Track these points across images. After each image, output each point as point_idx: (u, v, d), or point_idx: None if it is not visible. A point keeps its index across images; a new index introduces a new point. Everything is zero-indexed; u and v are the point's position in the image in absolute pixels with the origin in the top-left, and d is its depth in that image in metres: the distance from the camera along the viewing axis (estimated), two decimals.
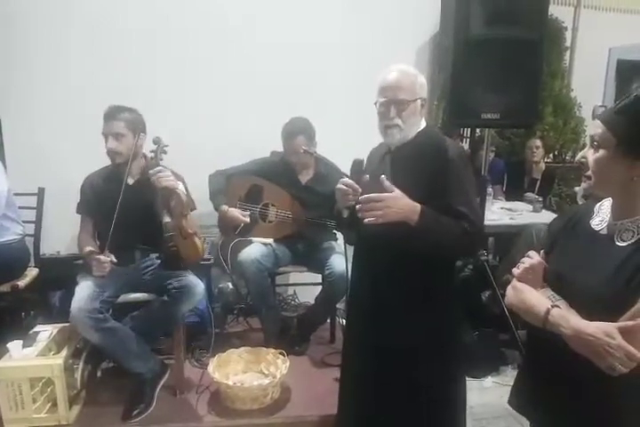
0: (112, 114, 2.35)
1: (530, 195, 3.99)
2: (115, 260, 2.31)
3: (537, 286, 1.26)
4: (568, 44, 5.09)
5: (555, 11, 4.95)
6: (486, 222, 3.27)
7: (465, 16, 2.84)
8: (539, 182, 4.19)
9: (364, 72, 3.09)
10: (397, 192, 1.56)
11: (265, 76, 3.19)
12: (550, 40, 4.75)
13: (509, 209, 3.72)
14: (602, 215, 1.24)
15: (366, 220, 1.54)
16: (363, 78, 3.05)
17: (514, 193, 4.18)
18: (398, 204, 1.55)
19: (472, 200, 1.70)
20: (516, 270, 1.31)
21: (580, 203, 1.82)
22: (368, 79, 1.78)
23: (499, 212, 3.67)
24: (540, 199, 3.80)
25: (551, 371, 1.24)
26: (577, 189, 4.73)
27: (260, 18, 3.18)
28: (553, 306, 1.17)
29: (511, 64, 2.82)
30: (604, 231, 1.20)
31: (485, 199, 3.28)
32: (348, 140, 2.91)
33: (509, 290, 1.32)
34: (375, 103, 1.72)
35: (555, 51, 4.89)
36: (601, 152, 1.13)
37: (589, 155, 1.17)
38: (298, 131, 2.74)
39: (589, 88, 5.28)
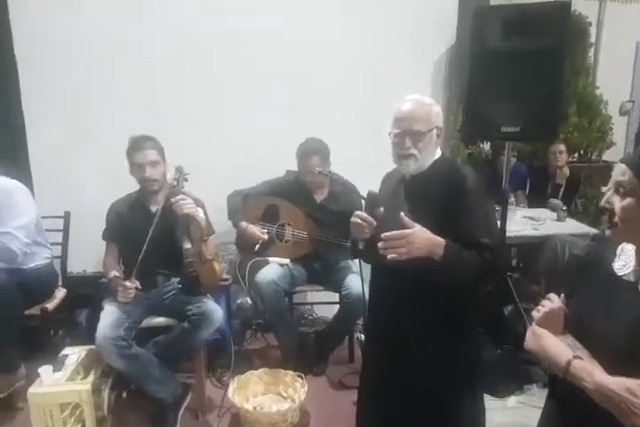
0: (142, 143, 2.44)
1: (553, 201, 3.91)
2: (140, 286, 2.38)
3: (557, 332, 1.23)
4: (593, 39, 4.94)
5: (578, 6, 4.80)
6: (508, 233, 3.23)
7: (482, 28, 2.79)
8: (562, 188, 4.10)
9: (381, 87, 3.11)
10: (418, 227, 1.53)
11: (279, 97, 3.20)
12: (574, 37, 4.63)
13: (532, 218, 3.65)
14: (624, 259, 1.19)
15: (389, 257, 1.51)
16: (379, 93, 3.07)
17: (537, 199, 4.11)
18: (421, 239, 1.52)
19: (492, 230, 1.69)
20: (535, 314, 1.28)
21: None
22: (385, 94, 1.78)
23: (521, 221, 3.60)
24: (565, 208, 3.71)
25: (575, 421, 1.21)
26: (603, 189, 4.63)
27: (276, 40, 3.17)
28: (574, 357, 1.13)
29: (531, 76, 2.75)
30: (629, 277, 1.16)
31: (506, 210, 3.21)
32: (363, 159, 2.93)
33: (529, 335, 1.29)
34: (389, 134, 1.71)
35: (579, 47, 4.75)
36: (629, 200, 1.08)
37: (616, 201, 1.12)
38: (312, 151, 2.76)
39: (616, 84, 5.14)
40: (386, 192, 1.84)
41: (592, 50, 5.01)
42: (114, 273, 2.47)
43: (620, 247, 1.22)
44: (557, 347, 1.19)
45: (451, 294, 1.65)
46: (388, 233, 1.52)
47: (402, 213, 1.55)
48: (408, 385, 1.75)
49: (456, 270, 1.57)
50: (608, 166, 4.75)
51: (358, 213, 1.68)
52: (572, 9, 4.73)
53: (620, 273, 1.18)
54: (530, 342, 1.28)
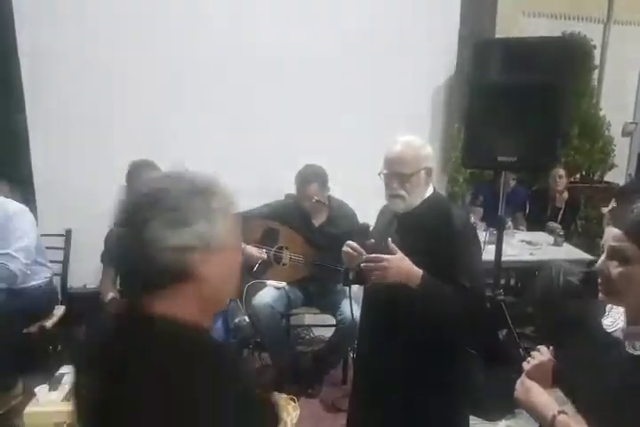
0: (144, 167, 2.49)
1: (552, 224, 3.94)
2: None
3: (546, 385, 1.24)
4: (597, 62, 4.98)
5: (583, 28, 4.85)
6: (505, 258, 3.26)
7: (481, 60, 2.83)
8: (562, 212, 4.12)
9: (380, 113, 3.14)
10: (399, 255, 1.63)
11: (281, 122, 3.23)
12: (578, 59, 4.66)
13: (529, 242, 3.68)
14: (614, 315, 1.20)
15: (368, 280, 1.67)
16: (378, 120, 3.11)
17: (536, 221, 4.13)
18: (399, 265, 1.63)
19: (475, 275, 1.72)
20: (525, 365, 1.29)
21: (606, 228, 1.77)
22: (383, 121, 1.80)
23: (518, 245, 3.63)
24: (562, 232, 3.73)
25: None
26: (604, 210, 4.64)
27: (277, 62, 3.20)
28: (559, 411, 1.14)
29: (528, 107, 2.80)
30: (617, 334, 1.16)
31: (502, 235, 3.24)
32: (363, 186, 2.95)
33: (518, 386, 1.30)
34: (379, 174, 1.76)
35: (583, 69, 4.79)
36: (628, 268, 1.06)
37: (611, 267, 1.09)
38: (311, 178, 2.80)
39: (619, 106, 5.16)
40: (380, 224, 1.91)
41: (596, 72, 5.03)
42: (111, 295, 2.52)
43: (609, 305, 1.23)
44: (544, 400, 1.21)
45: (436, 324, 1.70)
46: (369, 255, 1.65)
47: (389, 239, 1.66)
48: (395, 405, 1.79)
49: (434, 302, 1.65)
50: (610, 187, 4.77)
51: (349, 242, 1.74)
52: (577, 31, 4.79)
53: (609, 330, 1.19)
54: (519, 393, 1.29)
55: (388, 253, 1.63)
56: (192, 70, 3.20)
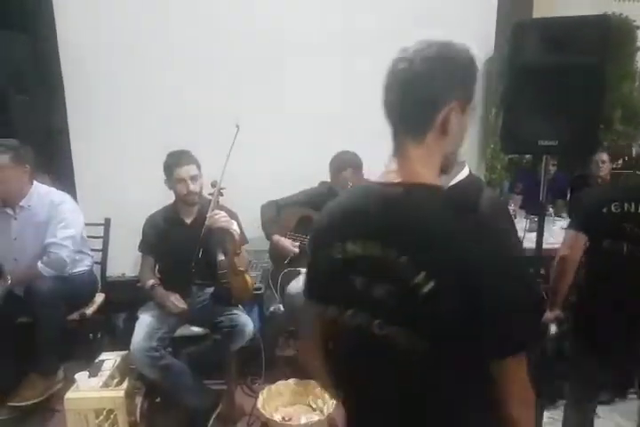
0: (184, 158, 2.51)
1: None
2: (185, 306, 2.47)
3: None
4: (639, 43, 4.77)
5: (624, 8, 4.65)
6: (545, 246, 3.16)
7: (520, 41, 2.74)
8: None
9: None
10: None
11: (314, 108, 3.20)
12: (620, 41, 4.49)
13: None
14: None
15: None
16: None
17: None
18: None
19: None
20: None
21: None
22: None
23: (560, 233, 3.51)
24: None
25: None
26: None
27: (305, 56, 3.19)
28: None
29: (570, 90, 2.69)
30: None
31: (543, 222, 3.15)
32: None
33: None
34: None
35: (625, 52, 4.59)
36: None
37: None
38: (345, 164, 2.78)
39: None
40: None
41: (639, 54, 4.82)
42: (152, 282, 2.55)
43: None
44: None
45: None
46: None
47: None
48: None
49: None
50: None
51: None
52: (618, 13, 4.59)
53: None
54: None
55: None
56: (224, 58, 3.21)
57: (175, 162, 2.48)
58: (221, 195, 2.46)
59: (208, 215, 2.40)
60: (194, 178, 2.49)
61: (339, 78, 3.18)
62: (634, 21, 4.60)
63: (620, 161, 4.86)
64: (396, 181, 0.97)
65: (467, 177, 1.72)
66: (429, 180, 0.97)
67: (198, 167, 2.53)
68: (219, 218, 2.38)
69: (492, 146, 3.74)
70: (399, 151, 1.00)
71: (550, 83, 2.70)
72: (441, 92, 0.95)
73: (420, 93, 0.95)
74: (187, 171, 2.48)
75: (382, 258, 0.92)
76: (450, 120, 0.95)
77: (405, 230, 0.92)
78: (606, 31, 2.78)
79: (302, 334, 1.18)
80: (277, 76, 3.20)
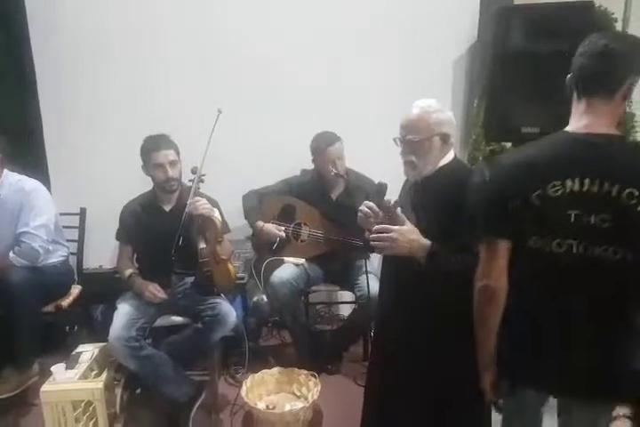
0: (162, 143, 2.43)
1: None
2: (165, 296, 2.41)
3: None
4: None
5: (604, 1, 4.68)
6: None
7: (504, 28, 2.74)
8: None
9: (399, 85, 3.05)
10: (408, 226, 1.59)
11: (295, 97, 3.15)
12: (599, 31, 4.52)
13: None
14: None
15: (376, 251, 1.61)
16: (397, 91, 3.01)
17: None
18: (406, 238, 1.58)
19: None
20: None
21: None
22: (402, 92, 1.73)
23: None
24: None
25: None
26: None
27: (290, 40, 3.13)
28: None
29: (552, 77, 2.69)
30: None
31: None
32: (378, 158, 2.88)
33: None
34: (394, 139, 1.72)
35: None
36: None
37: None
38: (328, 142, 2.77)
39: None
40: (403, 193, 1.86)
41: None
42: (130, 271, 2.49)
43: None
44: None
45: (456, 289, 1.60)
46: (377, 226, 1.61)
47: (399, 209, 1.62)
48: (412, 383, 1.75)
49: (442, 274, 1.58)
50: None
51: (367, 202, 1.70)
52: (598, 5, 4.62)
53: None
54: None
55: (399, 223, 1.59)
56: (206, 44, 3.14)
57: (153, 146, 2.41)
58: (202, 181, 2.41)
59: (188, 202, 2.34)
60: (172, 163, 2.42)
61: (323, 67, 3.14)
62: (612, 14, 4.64)
63: None
64: (593, 131, 1.30)
65: (453, 159, 1.74)
66: (614, 131, 1.33)
67: (177, 152, 2.46)
68: (200, 205, 2.32)
69: (473, 137, 3.74)
70: (590, 109, 1.33)
71: (533, 69, 2.72)
72: (630, 67, 1.30)
73: (618, 65, 1.29)
74: (165, 155, 2.41)
75: (599, 192, 1.25)
76: (630, 88, 1.31)
77: (619, 169, 1.26)
78: (589, 17, 2.80)
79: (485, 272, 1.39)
80: (261, 62, 3.14)
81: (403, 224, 1.60)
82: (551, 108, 2.73)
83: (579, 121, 1.33)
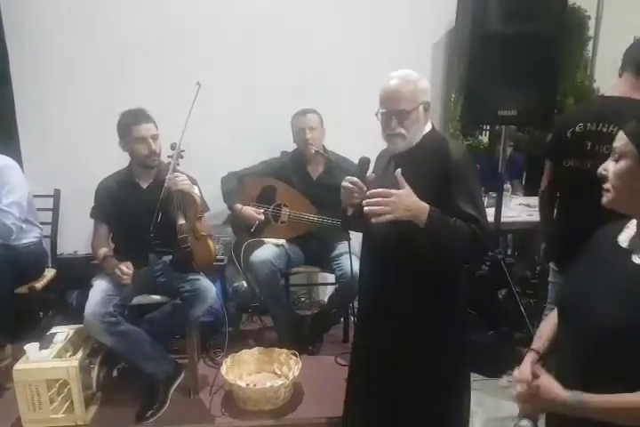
0: (142, 117, 2.39)
1: None
2: (130, 270, 2.35)
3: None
4: (591, 33, 4.94)
5: None
6: (503, 219, 3.24)
7: (482, 11, 2.78)
8: None
9: (379, 67, 3.05)
10: (407, 189, 1.53)
11: (276, 77, 3.14)
12: (572, 30, 4.63)
13: (527, 205, 3.65)
14: (629, 231, 1.19)
15: (373, 219, 1.51)
16: (377, 74, 3.02)
17: (533, 188, 4.08)
18: (407, 201, 1.51)
19: (479, 203, 1.65)
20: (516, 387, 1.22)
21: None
22: (382, 74, 1.73)
23: (517, 208, 3.60)
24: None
25: None
26: None
27: (270, 15, 3.12)
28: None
29: (529, 60, 2.76)
30: (626, 246, 1.16)
31: (502, 196, 3.23)
32: (361, 137, 2.88)
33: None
34: (376, 114, 1.69)
35: (577, 41, 4.75)
36: (622, 164, 1.10)
37: (610, 167, 1.13)
38: (307, 110, 2.82)
39: (613, 79, 5.11)
40: (379, 168, 1.85)
41: (590, 43, 5.00)
42: (104, 251, 2.43)
43: (629, 222, 1.21)
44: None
45: (439, 267, 1.65)
46: (374, 190, 1.52)
47: (398, 170, 1.55)
48: (395, 360, 1.75)
49: (441, 239, 1.56)
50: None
51: (349, 177, 1.66)
52: (572, 2, 4.74)
53: (622, 245, 1.18)
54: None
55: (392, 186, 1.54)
56: (184, 17, 3.10)
57: (132, 120, 2.37)
58: (181, 157, 2.37)
59: (167, 177, 2.31)
60: (154, 137, 2.39)
61: (304, 45, 3.13)
62: (585, 11, 4.76)
63: None
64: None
65: (432, 128, 1.76)
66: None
67: (156, 127, 2.43)
68: (179, 180, 2.29)
69: (450, 130, 3.79)
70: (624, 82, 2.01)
71: (510, 52, 2.77)
72: None
73: None
74: (147, 129, 2.37)
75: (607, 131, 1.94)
76: None
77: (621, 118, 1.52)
78: (563, 2, 2.87)
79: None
80: (245, 41, 3.12)
81: (403, 188, 1.53)
82: (527, 92, 2.81)
83: (614, 89, 2.06)
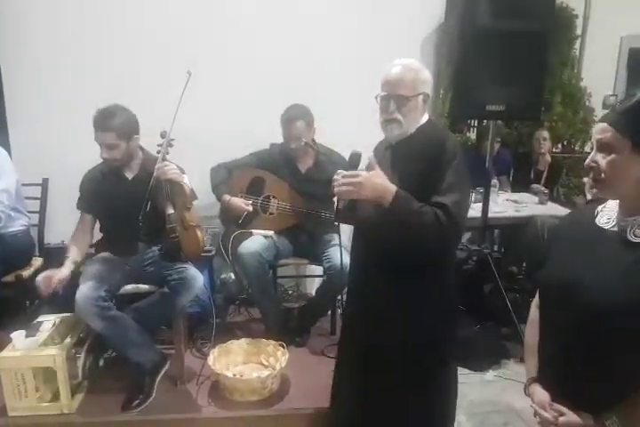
0: (101, 123, 2.30)
1: (535, 186, 3.95)
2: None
3: None
4: (579, 32, 4.98)
5: None
6: (491, 215, 3.29)
7: (471, 7, 2.82)
8: (545, 174, 4.14)
9: (368, 62, 3.07)
10: (377, 171, 1.59)
11: (266, 68, 3.16)
12: (560, 28, 4.67)
13: (515, 201, 3.70)
14: (608, 214, 1.22)
15: (335, 190, 1.60)
16: (366, 68, 3.02)
17: (520, 184, 4.14)
18: (374, 182, 1.58)
19: (457, 195, 1.62)
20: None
21: (589, 197, 1.86)
22: (371, 69, 1.75)
23: (504, 204, 3.65)
24: (546, 191, 3.77)
25: None
26: (585, 179, 4.69)
27: (261, 10, 3.13)
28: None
29: (517, 56, 2.80)
30: (614, 228, 1.19)
31: (489, 191, 3.26)
32: (349, 131, 2.90)
33: None
34: (376, 97, 1.71)
35: (565, 39, 4.79)
36: (615, 156, 1.12)
37: (599, 159, 1.14)
38: (296, 116, 2.75)
39: (600, 77, 5.18)
40: (375, 158, 1.84)
41: (578, 42, 5.04)
42: (71, 253, 2.42)
43: (600, 206, 1.26)
44: None
45: (423, 261, 1.66)
46: (343, 172, 1.60)
47: (371, 155, 1.64)
48: (381, 353, 1.77)
49: (403, 218, 1.59)
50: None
51: (341, 171, 1.67)
52: (560, 1, 4.79)
53: (605, 227, 1.21)
54: None
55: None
56: (181, 11, 3.11)
57: (95, 124, 2.30)
58: (171, 146, 2.36)
59: (157, 166, 2.30)
60: (110, 146, 2.31)
61: (295, 39, 3.15)
62: (573, 10, 4.81)
63: (560, 145, 5.06)
64: None
65: (429, 120, 1.77)
66: None
67: (120, 135, 2.31)
68: (168, 169, 2.28)
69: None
70: None
71: (499, 48, 2.80)
72: None
73: None
74: (102, 138, 2.30)
75: None
76: None
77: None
78: (551, 1, 2.91)
79: None
80: (234, 31, 3.14)
81: (372, 170, 1.60)
82: (515, 87, 2.85)
83: None
